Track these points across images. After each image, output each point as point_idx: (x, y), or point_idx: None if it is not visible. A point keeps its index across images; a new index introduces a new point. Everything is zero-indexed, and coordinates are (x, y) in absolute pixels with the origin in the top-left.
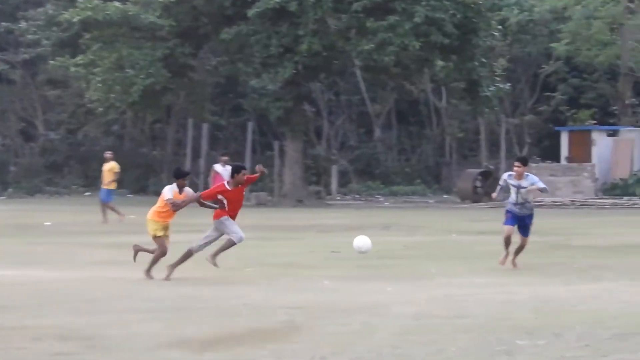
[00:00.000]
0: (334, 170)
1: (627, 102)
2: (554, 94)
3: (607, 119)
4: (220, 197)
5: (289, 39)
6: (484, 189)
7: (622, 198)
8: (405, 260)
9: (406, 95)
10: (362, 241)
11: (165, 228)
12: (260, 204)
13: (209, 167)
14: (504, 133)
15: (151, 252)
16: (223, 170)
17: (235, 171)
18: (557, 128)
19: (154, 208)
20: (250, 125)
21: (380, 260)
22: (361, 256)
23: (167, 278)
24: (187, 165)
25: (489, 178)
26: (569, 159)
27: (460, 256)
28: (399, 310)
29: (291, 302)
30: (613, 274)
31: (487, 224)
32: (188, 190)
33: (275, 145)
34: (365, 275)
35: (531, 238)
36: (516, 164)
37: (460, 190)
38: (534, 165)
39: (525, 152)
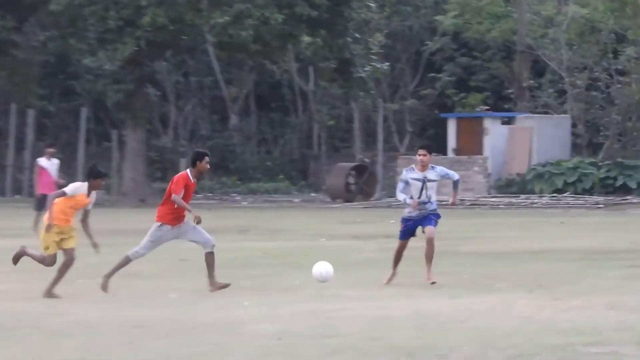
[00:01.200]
0: (183, 164)
1: (524, 84)
2: (439, 75)
3: (502, 104)
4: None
5: (129, 10)
6: (359, 186)
7: (518, 196)
8: (265, 269)
9: (267, 77)
10: (323, 270)
11: (65, 232)
12: (95, 203)
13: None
14: (381, 121)
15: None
16: (49, 164)
17: (197, 158)
18: (443, 115)
19: (54, 209)
20: (84, 112)
21: (236, 269)
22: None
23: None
24: (10, 159)
25: (364, 173)
26: (457, 151)
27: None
28: (258, 328)
29: (131, 320)
30: (508, 285)
31: (362, 227)
32: (94, 197)
33: (114, 134)
34: None
35: (413, 243)
36: (421, 151)
37: (331, 188)
38: (415, 158)
39: (406, 142)
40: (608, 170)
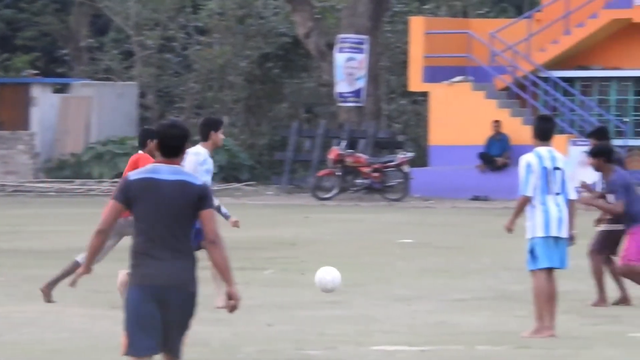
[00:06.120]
0: None
1: (82, 43)
2: None
3: (55, 68)
4: None
5: None
6: None
7: (73, 182)
8: None
9: None
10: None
11: None
12: None
13: None
14: None
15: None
16: None
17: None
18: None
19: None
20: None
21: None
22: None
23: None
24: None
25: None
26: None
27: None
28: None
29: None
30: (57, 291)
31: None
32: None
33: None
34: None
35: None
36: (221, 134)
37: None
38: None
39: None
40: None
